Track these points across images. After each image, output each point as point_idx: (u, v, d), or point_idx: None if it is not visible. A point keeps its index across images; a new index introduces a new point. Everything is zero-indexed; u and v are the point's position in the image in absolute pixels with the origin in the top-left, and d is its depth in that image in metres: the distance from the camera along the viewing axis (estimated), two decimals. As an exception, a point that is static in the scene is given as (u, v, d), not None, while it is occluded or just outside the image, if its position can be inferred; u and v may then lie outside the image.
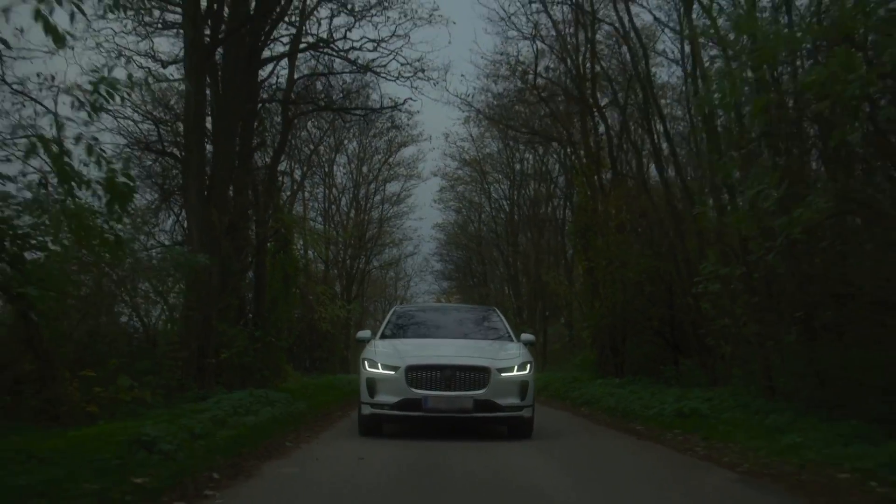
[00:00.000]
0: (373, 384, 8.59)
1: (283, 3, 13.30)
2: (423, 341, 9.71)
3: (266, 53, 14.87)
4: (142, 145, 13.43)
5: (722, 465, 6.52)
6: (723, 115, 10.94)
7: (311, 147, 27.64)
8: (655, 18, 15.04)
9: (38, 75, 5.78)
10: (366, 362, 8.87)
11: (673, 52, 20.05)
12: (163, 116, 15.01)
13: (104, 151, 5.00)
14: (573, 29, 19.41)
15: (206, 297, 11.20)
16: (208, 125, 12.36)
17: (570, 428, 10.52)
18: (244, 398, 9.56)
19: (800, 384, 9.20)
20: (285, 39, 15.39)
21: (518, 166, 33.34)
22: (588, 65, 18.60)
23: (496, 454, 7.16)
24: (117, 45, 14.18)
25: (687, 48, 12.54)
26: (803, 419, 7.81)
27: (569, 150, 21.57)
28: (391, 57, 15.73)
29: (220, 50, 12.34)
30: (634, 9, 15.99)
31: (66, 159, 4.43)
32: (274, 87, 16.52)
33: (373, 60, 15.24)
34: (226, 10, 13.06)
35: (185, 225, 12.64)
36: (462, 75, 53.97)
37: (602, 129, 19.10)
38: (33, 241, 7.82)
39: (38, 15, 4.49)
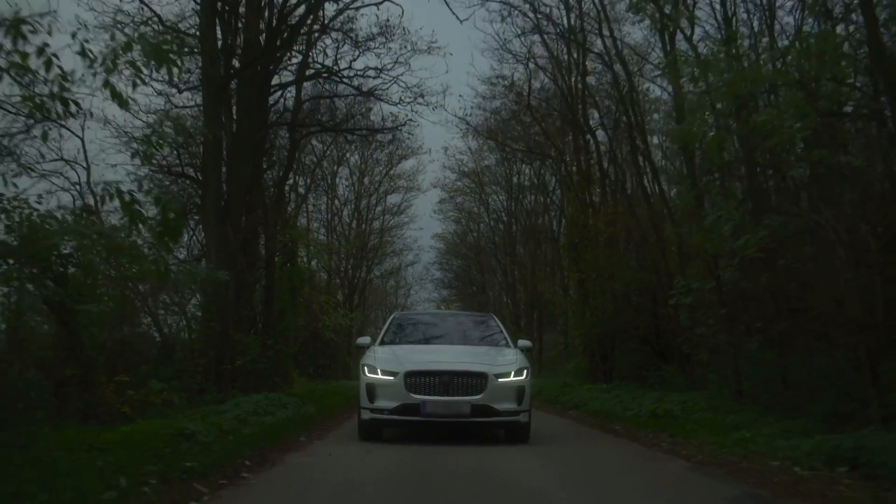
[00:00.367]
0: (372, 389, 8.69)
1: (288, 35, 14.28)
2: (421, 347, 9.88)
3: (275, 79, 15.95)
4: (163, 168, 14.47)
5: (680, 457, 7.54)
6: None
7: (315, 160, 28.68)
8: (637, 53, 15.97)
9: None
10: (365, 368, 8.98)
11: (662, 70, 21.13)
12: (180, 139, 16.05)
13: (161, 193, 6.02)
14: (566, 50, 20.45)
15: (224, 309, 12.20)
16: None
17: (558, 429, 11.44)
18: (261, 401, 10.56)
19: (761, 388, 10.24)
20: (293, 66, 16.42)
21: (515, 178, 34.45)
22: (580, 85, 19.64)
23: (489, 452, 8.13)
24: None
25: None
26: (762, 419, 8.78)
27: (562, 166, 22.58)
28: (392, 82, 16.80)
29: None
30: (627, 27, 16.99)
31: (137, 206, 5.39)
32: (282, 109, 17.57)
33: (375, 87, 16.31)
34: (239, 39, 14.16)
35: (202, 241, 13.63)
36: (460, 95, 54.88)
37: (593, 147, 20.09)
38: (74, 261, 8.86)
39: (106, 83, 5.50)
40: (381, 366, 8.85)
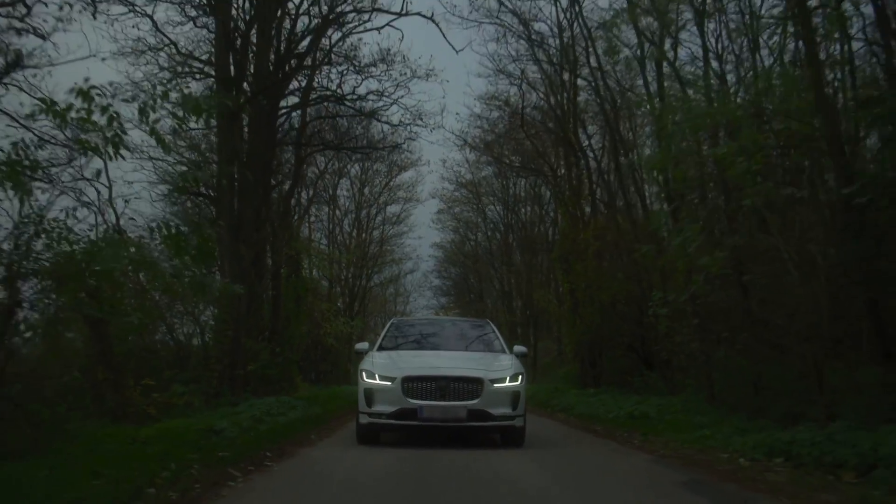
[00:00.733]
0: (370, 394, 8.83)
1: (296, 64, 15.35)
2: (418, 353, 10.02)
3: (282, 101, 17.00)
4: (180, 189, 15.50)
5: (646, 452, 8.55)
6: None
7: (318, 172, 29.70)
8: (621, 84, 17.03)
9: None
10: (364, 373, 9.11)
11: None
12: (194, 158, 17.13)
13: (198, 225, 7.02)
14: (559, 70, 21.50)
15: (237, 319, 13.21)
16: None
17: (546, 430, 12.38)
18: (272, 403, 11.55)
19: (730, 392, 11.26)
20: (299, 90, 17.48)
21: (512, 189, 35.46)
22: (571, 106, 20.68)
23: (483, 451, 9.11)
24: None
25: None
26: (726, 420, 9.78)
27: (555, 182, 23.64)
28: (392, 103, 17.87)
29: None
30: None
31: (182, 241, 6.40)
32: (287, 129, 18.62)
33: (375, 109, 17.37)
34: (250, 65, 15.23)
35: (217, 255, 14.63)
36: (457, 113, 55.90)
37: (583, 164, 21.13)
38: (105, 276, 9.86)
39: (152, 131, 6.54)
40: (379, 371, 8.97)
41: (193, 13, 16.00)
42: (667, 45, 13.94)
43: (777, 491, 5.70)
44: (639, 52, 13.13)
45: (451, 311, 48.19)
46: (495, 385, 8.80)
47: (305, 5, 16.54)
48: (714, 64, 13.21)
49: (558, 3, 18.76)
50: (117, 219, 12.62)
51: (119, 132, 6.21)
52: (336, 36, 17.17)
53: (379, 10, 15.85)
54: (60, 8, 8.08)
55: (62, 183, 8.55)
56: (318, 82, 17.42)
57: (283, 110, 17.20)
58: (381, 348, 10.18)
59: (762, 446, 7.30)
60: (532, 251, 34.28)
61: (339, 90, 16.98)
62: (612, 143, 15.78)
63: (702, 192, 10.04)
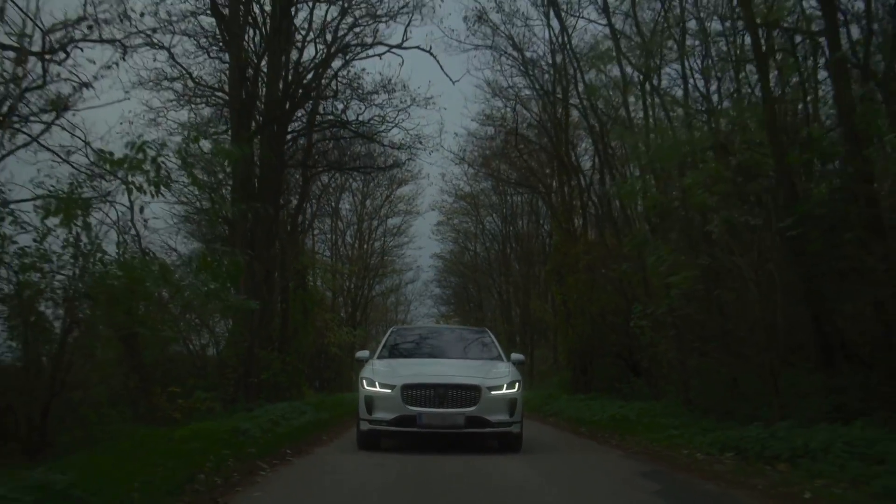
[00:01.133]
0: (371, 402, 9.01)
1: (303, 94, 16.56)
2: (417, 361, 10.19)
3: (290, 126, 18.20)
4: (197, 212, 16.66)
5: (621, 450, 9.66)
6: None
7: (321, 186, 30.84)
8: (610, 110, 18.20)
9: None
10: (364, 381, 9.29)
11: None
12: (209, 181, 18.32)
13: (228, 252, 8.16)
14: (551, 88, 22.66)
15: (250, 331, 14.33)
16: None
17: (537, 432, 13.38)
18: (285, 408, 12.64)
19: (702, 397, 12.35)
20: (306, 115, 18.69)
21: (510, 199, 36.57)
22: (562, 128, 21.83)
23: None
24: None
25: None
26: (697, 422, 10.86)
27: (549, 197, 24.79)
28: (393, 126, 19.06)
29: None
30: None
31: (216, 266, 7.52)
32: (293, 151, 19.79)
33: (376, 133, 18.57)
34: (261, 93, 16.44)
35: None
36: (455, 133, 56.90)
37: (574, 182, 22.27)
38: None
39: (190, 175, 7.67)
40: (379, 379, 9.16)
41: (206, 42, 17.23)
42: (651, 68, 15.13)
43: (719, 478, 6.82)
44: (622, 82, 14.23)
45: (451, 320, 49.20)
46: (493, 392, 8.99)
47: (312, 36, 17.77)
48: (701, 83, 14.31)
49: (550, 30, 19.92)
50: (139, 240, 13.82)
51: (165, 176, 7.32)
52: (338, 63, 18.41)
53: (380, 43, 17.07)
54: (94, 63, 9.25)
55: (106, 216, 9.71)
56: (323, 108, 18.63)
57: (291, 134, 18.36)
58: (381, 356, 10.35)
59: (717, 443, 8.39)
60: (529, 263, 35.35)
61: (343, 115, 18.18)
62: (601, 165, 16.90)
63: (671, 217, 11.17)
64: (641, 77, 14.67)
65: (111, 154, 7.18)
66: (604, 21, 14.96)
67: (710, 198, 9.45)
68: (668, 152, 10.69)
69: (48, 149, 9.65)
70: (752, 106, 11.50)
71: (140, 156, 7.02)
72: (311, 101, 17.91)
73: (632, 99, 15.16)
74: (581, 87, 17.36)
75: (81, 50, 10.10)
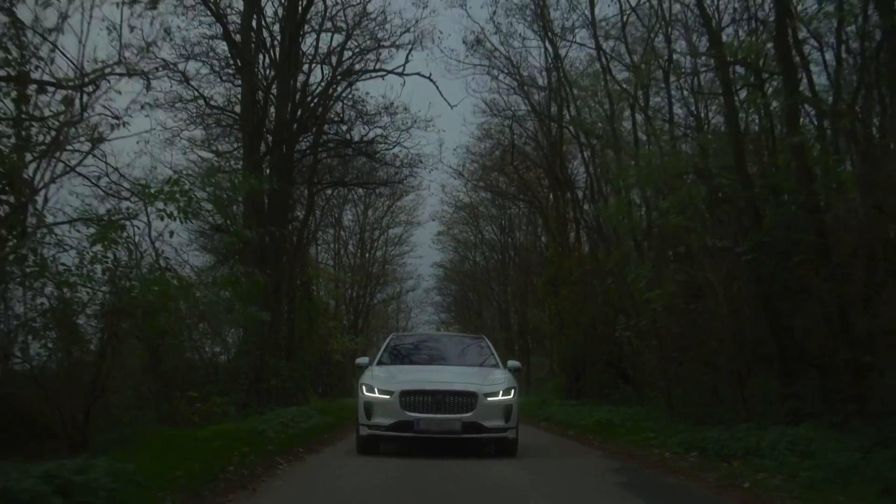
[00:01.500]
0: (370, 407, 9.25)
1: (308, 117, 17.63)
2: (416, 367, 10.47)
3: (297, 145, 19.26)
4: (211, 227, 17.67)
5: (601, 449, 10.66)
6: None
7: (325, 198, 31.84)
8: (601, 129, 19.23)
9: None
10: (364, 387, 9.53)
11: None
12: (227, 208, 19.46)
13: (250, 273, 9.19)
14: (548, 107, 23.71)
15: (261, 340, 15.32)
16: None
17: (530, 436, 14.26)
18: (294, 412, 13.60)
19: (682, 402, 13.33)
20: (312, 135, 19.77)
21: (508, 211, 37.56)
22: (556, 149, 22.87)
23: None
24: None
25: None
26: (674, 426, 11.85)
27: (545, 211, 25.83)
28: (395, 145, 20.14)
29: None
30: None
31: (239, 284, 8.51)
32: (300, 166, 20.84)
33: (378, 151, 19.67)
34: (270, 114, 17.52)
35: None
36: (454, 149, 57.99)
37: (569, 196, 23.29)
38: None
39: (222, 211, 8.67)
40: (378, 385, 9.40)
41: (218, 66, 18.31)
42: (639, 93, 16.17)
43: (679, 472, 7.83)
44: (609, 110, 15.23)
45: (451, 327, 50.14)
46: (489, 399, 9.20)
47: (318, 60, 18.84)
48: (683, 111, 15.34)
49: (546, 53, 20.97)
50: (157, 256, 14.83)
51: (196, 205, 8.33)
52: (343, 85, 19.48)
53: (383, 69, 18.17)
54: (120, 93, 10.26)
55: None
56: (328, 128, 19.68)
57: (298, 153, 19.40)
58: (380, 363, 10.59)
59: (685, 443, 9.38)
60: (527, 272, 36.31)
61: (348, 135, 19.23)
62: (591, 185, 17.93)
63: (649, 237, 12.18)
64: (631, 100, 15.77)
65: (148, 188, 8.19)
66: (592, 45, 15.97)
67: (683, 221, 10.39)
68: (649, 177, 11.68)
69: (81, 174, 10.61)
70: (720, 136, 12.55)
71: (175, 188, 8.02)
72: (317, 124, 18.97)
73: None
74: (573, 109, 18.36)
75: (110, 83, 11.17)
